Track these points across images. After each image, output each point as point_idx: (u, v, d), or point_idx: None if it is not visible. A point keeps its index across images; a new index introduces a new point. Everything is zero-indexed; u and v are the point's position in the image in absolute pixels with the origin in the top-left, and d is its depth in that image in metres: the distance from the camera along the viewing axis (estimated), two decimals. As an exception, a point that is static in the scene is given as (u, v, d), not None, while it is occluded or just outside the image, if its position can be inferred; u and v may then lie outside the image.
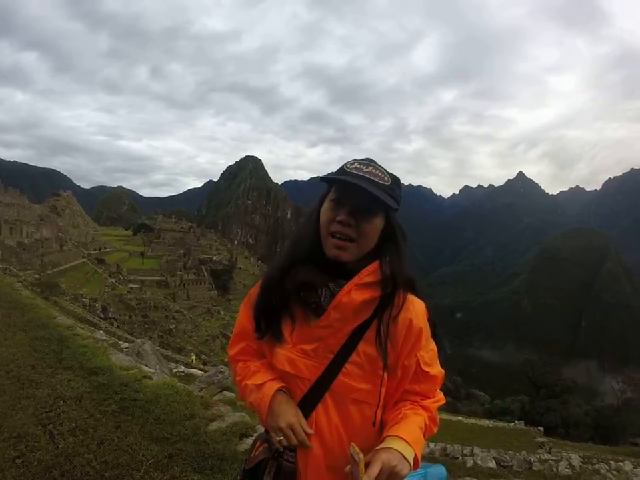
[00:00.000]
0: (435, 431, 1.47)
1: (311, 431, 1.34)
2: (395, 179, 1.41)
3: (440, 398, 1.51)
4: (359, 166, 1.38)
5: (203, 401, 4.84)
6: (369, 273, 1.35)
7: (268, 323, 1.47)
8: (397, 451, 1.24)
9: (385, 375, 1.36)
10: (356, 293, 1.33)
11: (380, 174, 1.37)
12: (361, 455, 1.19)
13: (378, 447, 1.26)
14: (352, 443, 1.24)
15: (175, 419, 4.22)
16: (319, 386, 1.37)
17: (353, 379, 1.34)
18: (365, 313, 1.36)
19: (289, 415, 1.36)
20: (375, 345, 1.35)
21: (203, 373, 13.32)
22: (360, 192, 1.30)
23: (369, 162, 1.40)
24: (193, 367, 18.09)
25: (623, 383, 42.52)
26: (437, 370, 1.45)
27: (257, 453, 1.49)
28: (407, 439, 1.28)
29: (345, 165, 1.41)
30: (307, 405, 1.38)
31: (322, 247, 1.39)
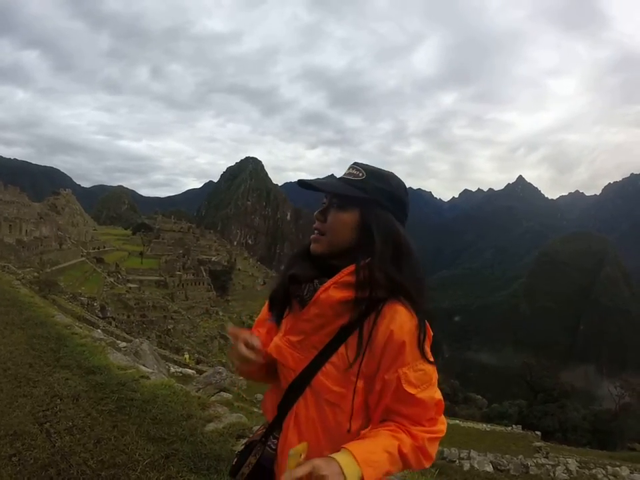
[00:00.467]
0: (426, 466, 1.38)
1: (256, 343, 1.40)
2: (373, 173, 1.43)
3: (437, 430, 1.38)
4: (345, 171, 1.48)
5: (200, 401, 4.83)
6: (349, 273, 1.34)
7: (274, 310, 1.55)
8: (337, 463, 1.17)
9: (360, 382, 1.33)
10: (334, 291, 1.33)
11: (355, 172, 1.44)
12: (292, 452, 1.19)
13: (326, 455, 1.22)
14: (293, 447, 1.22)
15: (172, 419, 4.22)
16: (302, 379, 1.39)
17: (330, 379, 1.34)
18: (346, 313, 1.35)
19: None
20: (354, 350, 1.32)
21: (194, 372, 13.32)
22: (323, 190, 1.43)
23: (353, 165, 1.48)
24: (184, 366, 18.11)
25: (621, 388, 42.51)
26: (426, 394, 1.33)
27: (254, 436, 1.59)
28: (357, 456, 1.20)
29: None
30: (291, 395, 1.41)
31: None
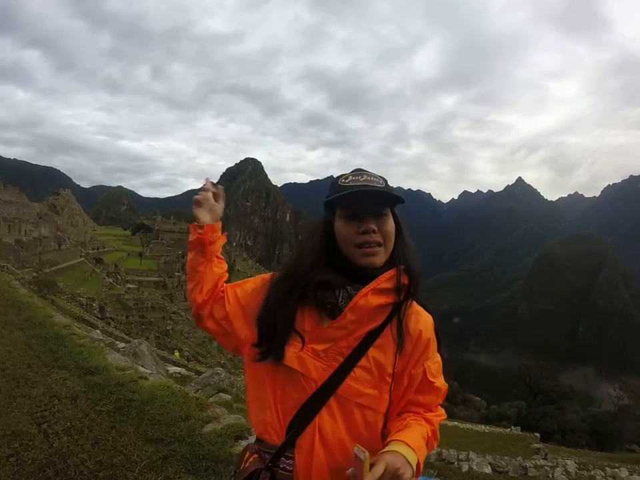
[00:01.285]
0: (435, 446, 1.49)
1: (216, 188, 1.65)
2: (384, 179, 1.44)
3: (442, 413, 1.51)
4: (353, 178, 1.40)
5: (198, 402, 4.83)
6: (387, 279, 1.36)
7: (271, 344, 1.40)
8: (402, 454, 1.23)
9: (390, 381, 1.37)
10: (372, 297, 1.34)
11: (374, 179, 1.40)
12: (367, 454, 1.17)
13: (382, 451, 1.24)
14: (356, 444, 1.22)
15: (170, 420, 4.22)
16: (325, 389, 1.34)
17: (361, 383, 1.33)
18: (377, 317, 1.37)
19: None
20: (385, 351, 1.36)
21: (192, 372, 13.28)
22: (370, 198, 1.36)
23: (361, 172, 1.44)
24: (183, 366, 18.15)
25: (620, 390, 42.63)
26: (441, 382, 1.47)
27: (247, 464, 1.42)
28: (411, 444, 1.27)
29: (338, 182, 1.42)
30: (312, 408, 1.34)
31: (335, 259, 1.41)
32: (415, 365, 1.40)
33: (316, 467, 1.31)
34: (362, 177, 1.40)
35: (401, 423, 1.38)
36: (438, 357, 1.47)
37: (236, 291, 1.60)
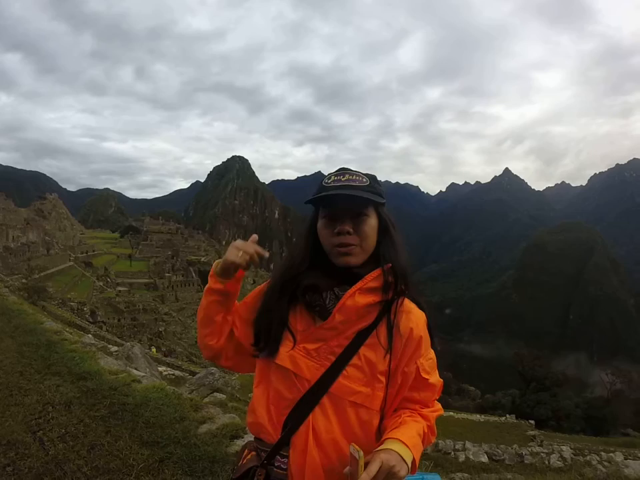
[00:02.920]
0: (433, 441, 1.50)
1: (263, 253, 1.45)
2: (372, 177, 1.47)
3: (438, 408, 1.53)
4: (335, 178, 1.44)
5: (192, 403, 4.82)
6: (373, 278, 1.38)
7: (267, 340, 1.45)
8: (396, 452, 1.24)
9: (383, 379, 1.38)
10: (360, 297, 1.36)
11: (357, 178, 1.43)
12: (361, 453, 1.19)
13: (377, 449, 1.26)
14: (352, 443, 1.23)
15: (165, 422, 4.21)
16: (318, 388, 1.36)
17: (353, 381, 1.35)
18: (368, 317, 1.39)
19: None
20: (376, 350, 1.38)
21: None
22: (345, 200, 1.37)
23: (343, 171, 1.46)
24: (177, 368, 18.12)
25: (612, 375, 42.98)
26: (435, 378, 1.47)
27: (244, 461, 1.47)
28: (406, 442, 1.28)
29: (323, 182, 1.45)
30: (305, 406, 1.36)
31: (323, 258, 1.45)
32: (407, 363, 1.41)
33: (309, 466, 1.32)
34: (344, 177, 1.43)
35: (396, 420, 1.39)
36: (431, 353, 1.47)
37: (240, 312, 1.60)
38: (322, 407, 1.35)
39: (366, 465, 1.20)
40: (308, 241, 1.49)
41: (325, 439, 1.34)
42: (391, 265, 1.40)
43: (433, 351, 1.48)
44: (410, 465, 1.26)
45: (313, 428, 1.35)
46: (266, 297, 1.51)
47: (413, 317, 1.42)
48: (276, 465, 1.37)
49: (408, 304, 1.44)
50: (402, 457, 1.24)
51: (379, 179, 1.50)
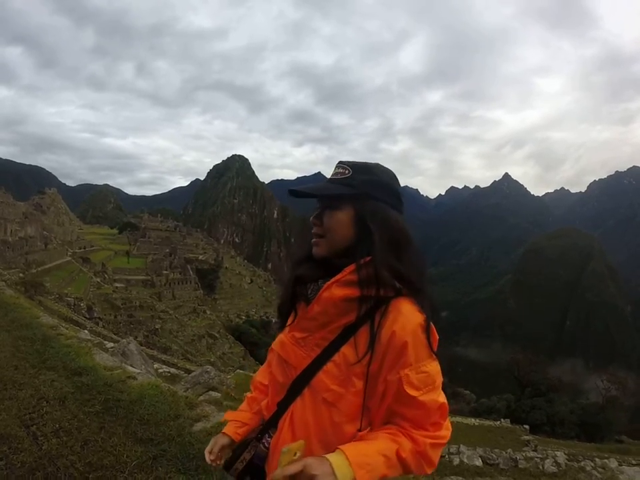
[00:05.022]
0: (428, 472, 1.33)
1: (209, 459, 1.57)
2: (359, 167, 1.43)
3: (441, 436, 1.33)
4: (332, 172, 1.48)
5: (187, 401, 4.82)
6: (351, 272, 1.33)
7: (282, 319, 1.56)
8: (329, 463, 1.15)
9: (359, 383, 1.30)
10: (336, 289, 1.32)
11: (341, 170, 1.43)
12: (285, 449, 1.18)
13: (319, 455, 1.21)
14: (297, 442, 1.23)
15: (160, 419, 4.19)
16: (301, 378, 1.38)
17: (329, 378, 1.32)
18: (351, 312, 1.33)
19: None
20: (357, 349, 1.31)
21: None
22: (303, 196, 1.44)
23: (338, 164, 1.47)
24: (172, 365, 18.10)
25: (608, 381, 42.94)
26: (429, 397, 1.28)
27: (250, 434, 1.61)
28: (350, 458, 1.18)
29: None
30: (291, 394, 1.42)
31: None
32: (390, 371, 1.29)
33: (280, 447, 1.32)
34: (335, 170, 1.46)
35: (367, 432, 1.31)
36: (428, 367, 1.30)
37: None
38: (302, 398, 1.38)
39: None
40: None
41: (298, 432, 1.36)
42: (371, 258, 1.32)
43: (434, 364, 1.31)
44: None
45: (291, 417, 1.39)
46: (283, 286, 1.57)
47: (401, 319, 1.29)
48: (264, 442, 1.50)
49: (402, 304, 1.32)
50: (333, 471, 1.14)
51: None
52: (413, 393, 1.26)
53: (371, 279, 1.30)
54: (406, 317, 1.29)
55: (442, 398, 1.32)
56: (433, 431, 1.31)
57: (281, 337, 1.51)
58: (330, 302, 1.33)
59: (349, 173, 1.41)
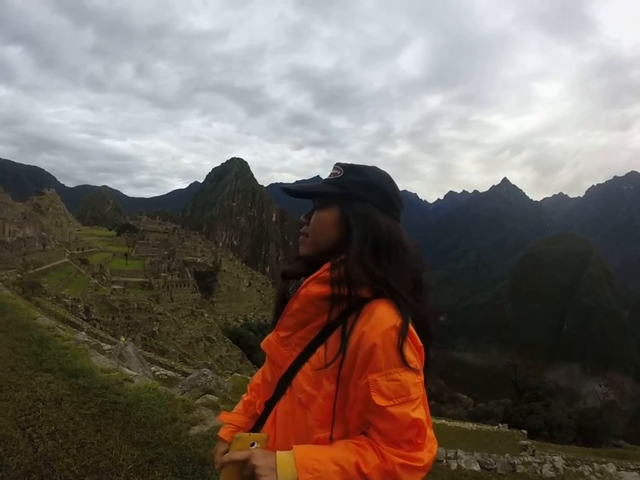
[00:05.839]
0: None
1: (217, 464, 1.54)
2: (351, 168, 1.43)
3: (415, 457, 1.18)
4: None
5: (184, 404, 4.81)
6: (326, 269, 1.31)
7: (275, 317, 1.54)
8: (275, 459, 1.13)
9: (330, 386, 1.26)
10: (313, 286, 1.31)
11: (335, 171, 1.45)
12: (237, 435, 1.27)
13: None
14: (248, 433, 1.33)
15: (156, 422, 4.18)
16: (286, 377, 1.39)
17: (305, 379, 1.31)
18: (326, 311, 1.30)
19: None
20: (331, 350, 1.27)
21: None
22: (291, 195, 1.48)
23: (334, 165, 1.48)
24: (170, 368, 18.08)
25: (605, 386, 42.99)
26: (399, 410, 1.16)
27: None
28: (297, 459, 1.13)
29: None
30: (276, 394, 1.44)
31: None
32: (359, 375, 1.22)
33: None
34: (331, 171, 1.47)
35: (341, 440, 1.24)
36: (402, 375, 1.18)
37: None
38: (285, 398, 1.39)
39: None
40: None
41: (279, 432, 1.38)
42: (345, 256, 1.29)
43: (410, 373, 1.19)
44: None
45: (274, 417, 1.41)
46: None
47: (372, 320, 1.22)
48: None
49: (377, 306, 1.25)
50: (276, 467, 1.11)
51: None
52: (380, 402, 1.17)
53: (342, 277, 1.27)
54: (378, 318, 1.22)
55: (417, 414, 1.18)
56: (407, 451, 1.18)
57: (268, 336, 1.52)
58: (306, 299, 1.33)
59: (340, 174, 1.42)
